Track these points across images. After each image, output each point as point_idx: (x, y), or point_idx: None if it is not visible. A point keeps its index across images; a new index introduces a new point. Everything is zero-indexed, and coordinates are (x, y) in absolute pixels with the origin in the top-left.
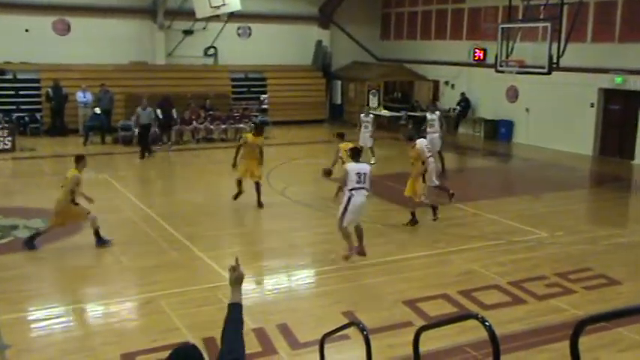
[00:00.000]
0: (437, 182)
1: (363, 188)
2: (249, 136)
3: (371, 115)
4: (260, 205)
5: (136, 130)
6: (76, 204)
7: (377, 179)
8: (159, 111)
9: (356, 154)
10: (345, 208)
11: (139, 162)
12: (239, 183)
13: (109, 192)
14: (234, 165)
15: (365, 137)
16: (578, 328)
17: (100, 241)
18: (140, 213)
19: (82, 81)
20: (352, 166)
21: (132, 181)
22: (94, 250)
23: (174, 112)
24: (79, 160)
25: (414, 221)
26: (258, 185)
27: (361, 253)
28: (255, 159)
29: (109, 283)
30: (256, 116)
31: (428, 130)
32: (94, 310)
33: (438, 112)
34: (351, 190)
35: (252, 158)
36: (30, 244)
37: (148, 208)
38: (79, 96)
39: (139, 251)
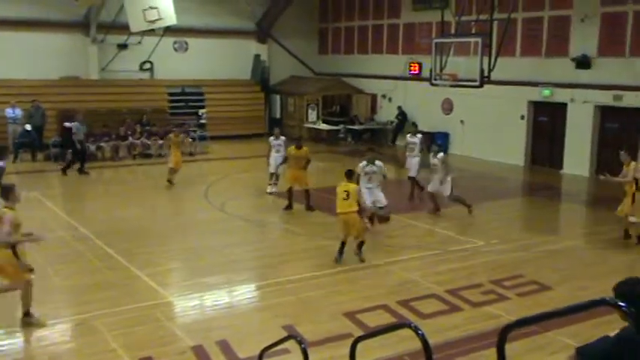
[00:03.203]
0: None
1: None
2: (292, 150)
3: (282, 138)
4: (309, 208)
5: (77, 146)
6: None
7: (316, 193)
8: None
9: None
10: None
11: (75, 178)
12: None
13: (41, 211)
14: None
15: (277, 161)
16: (503, 333)
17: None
18: (73, 232)
19: (11, 97)
20: None
21: (65, 199)
22: None
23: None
24: (352, 175)
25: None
26: (307, 192)
27: None
28: (302, 168)
29: (40, 305)
30: (195, 131)
31: (407, 154)
32: (25, 334)
33: (419, 136)
34: None
35: (299, 168)
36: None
37: (81, 227)
38: (8, 112)
39: (72, 270)
